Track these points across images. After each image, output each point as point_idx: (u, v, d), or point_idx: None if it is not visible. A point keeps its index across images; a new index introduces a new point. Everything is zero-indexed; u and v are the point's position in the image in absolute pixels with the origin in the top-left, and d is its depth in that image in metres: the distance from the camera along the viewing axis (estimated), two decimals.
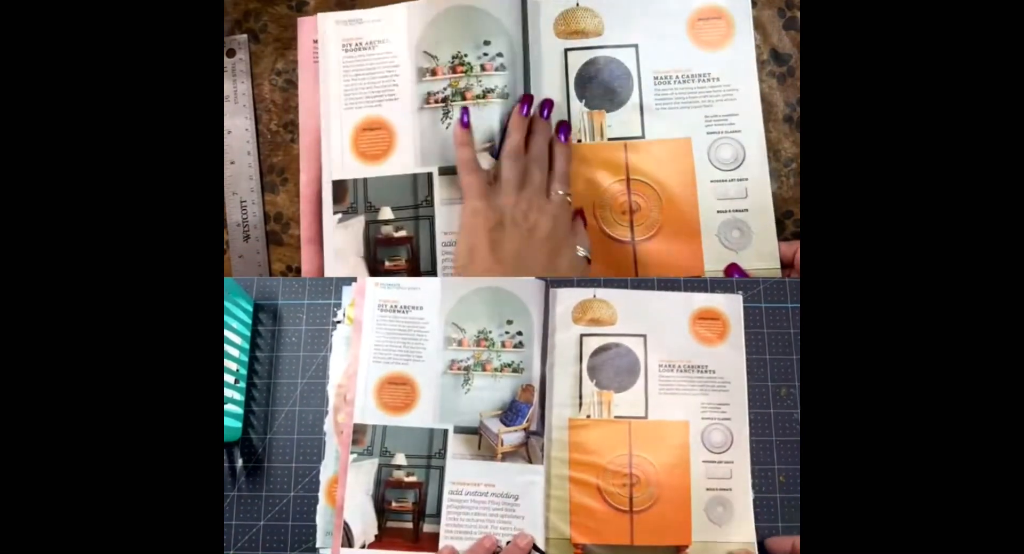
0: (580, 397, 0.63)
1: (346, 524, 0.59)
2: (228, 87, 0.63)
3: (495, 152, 0.58)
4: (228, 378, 0.59)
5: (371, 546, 0.59)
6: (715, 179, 0.59)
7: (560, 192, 0.56)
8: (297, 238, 0.61)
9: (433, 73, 0.60)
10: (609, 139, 0.60)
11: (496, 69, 0.60)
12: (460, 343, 0.63)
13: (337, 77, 0.60)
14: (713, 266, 0.59)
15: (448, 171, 0.58)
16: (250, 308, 0.65)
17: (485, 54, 0.60)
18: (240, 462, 0.62)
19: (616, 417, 0.62)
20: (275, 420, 0.63)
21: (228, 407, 0.58)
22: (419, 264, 0.59)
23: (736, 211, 0.59)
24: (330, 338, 0.65)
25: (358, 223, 0.59)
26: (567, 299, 0.65)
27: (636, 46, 0.60)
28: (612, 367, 0.63)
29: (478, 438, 0.61)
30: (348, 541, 0.59)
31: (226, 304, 0.56)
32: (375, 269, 0.59)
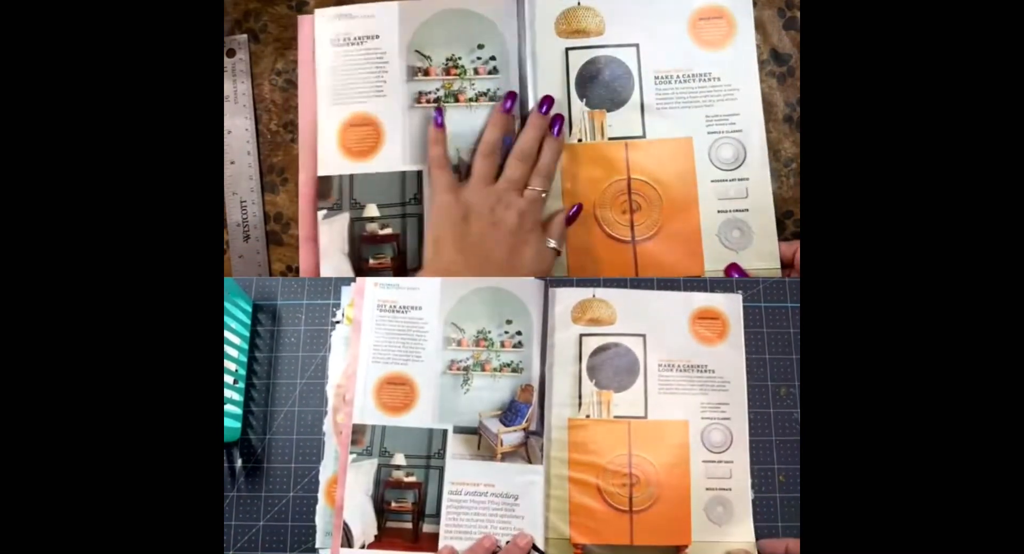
0: (579, 397, 0.63)
1: (346, 524, 0.59)
2: (228, 87, 0.63)
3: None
4: (227, 378, 0.59)
5: (371, 546, 0.59)
6: (716, 179, 0.59)
7: (537, 189, 0.56)
8: (297, 238, 0.61)
9: (426, 73, 0.60)
10: (610, 139, 0.60)
11: (489, 73, 0.60)
12: (459, 343, 0.63)
13: (326, 72, 0.60)
14: (713, 266, 0.59)
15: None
16: (249, 308, 0.65)
17: (479, 58, 0.60)
18: (239, 462, 0.62)
19: (616, 417, 0.62)
20: (274, 420, 0.63)
21: (227, 407, 0.58)
22: (406, 262, 0.59)
23: (736, 211, 0.59)
24: (329, 338, 0.65)
25: (342, 220, 0.59)
26: (566, 299, 0.65)
27: (637, 45, 0.60)
28: (611, 367, 0.63)
29: (477, 438, 0.61)
30: (348, 541, 0.59)
31: (226, 304, 0.56)
32: (359, 266, 0.59)
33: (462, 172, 0.58)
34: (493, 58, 0.60)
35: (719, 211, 0.59)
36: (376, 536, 0.59)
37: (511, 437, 0.60)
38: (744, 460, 0.62)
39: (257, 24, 0.63)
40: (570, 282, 0.65)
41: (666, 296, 0.65)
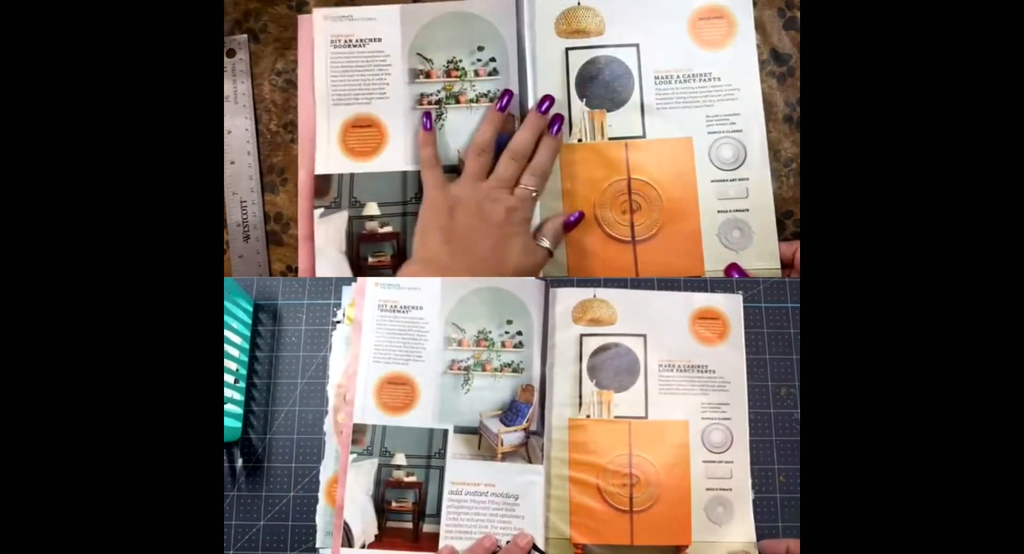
0: (580, 397, 0.63)
1: (346, 524, 0.59)
2: (228, 87, 0.63)
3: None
4: (228, 378, 0.59)
5: (371, 546, 0.59)
6: (716, 179, 0.59)
7: (529, 187, 0.56)
8: (297, 238, 0.61)
9: (427, 75, 0.60)
10: (610, 139, 0.60)
11: (489, 74, 0.60)
12: (460, 343, 0.63)
13: (326, 72, 0.60)
14: (713, 266, 0.59)
15: (445, 170, 0.58)
16: (250, 308, 0.65)
17: (479, 60, 0.60)
18: (240, 462, 0.62)
19: (616, 417, 0.62)
20: (275, 420, 0.63)
21: (228, 407, 0.58)
22: (405, 260, 0.59)
23: (737, 211, 0.59)
24: (330, 338, 0.65)
25: (340, 218, 0.59)
26: (567, 299, 0.65)
27: (637, 45, 0.60)
28: (612, 367, 0.63)
29: (478, 438, 0.61)
30: (348, 541, 0.59)
31: (226, 304, 0.56)
32: (357, 265, 0.59)
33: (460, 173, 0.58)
34: (493, 60, 0.60)
35: (719, 211, 0.59)
36: (376, 536, 0.59)
37: (511, 437, 0.60)
38: (744, 460, 0.62)
39: (257, 24, 0.64)
40: (570, 282, 0.65)
41: (666, 296, 0.65)
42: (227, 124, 0.62)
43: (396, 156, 0.60)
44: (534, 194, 0.56)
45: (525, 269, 0.56)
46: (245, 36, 0.63)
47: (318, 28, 0.61)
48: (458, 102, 0.60)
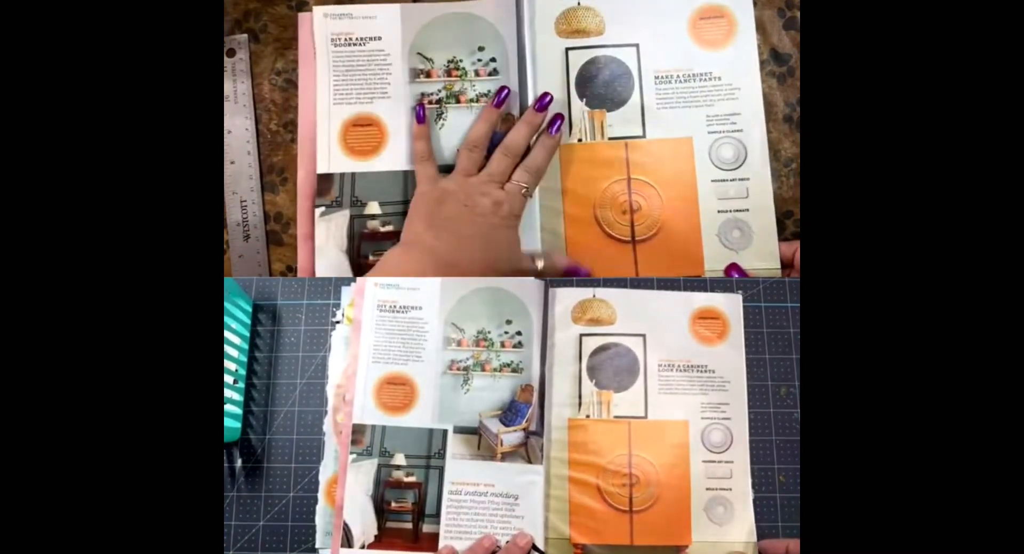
0: (579, 397, 0.63)
1: (346, 524, 0.59)
2: (228, 87, 0.63)
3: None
4: (227, 378, 0.59)
5: (371, 546, 0.59)
6: (716, 179, 0.59)
7: (521, 183, 0.56)
8: (297, 238, 0.61)
9: (428, 75, 0.60)
10: (610, 138, 0.60)
11: (489, 74, 0.60)
12: (459, 343, 0.63)
13: (327, 71, 0.60)
14: (713, 266, 0.59)
15: (443, 169, 0.58)
16: (249, 308, 0.65)
17: (479, 60, 0.60)
18: (239, 462, 0.62)
19: (616, 417, 0.62)
20: (274, 420, 0.63)
21: (227, 407, 0.58)
22: None
23: (737, 211, 0.59)
24: (329, 338, 0.65)
25: (342, 217, 0.59)
26: (566, 299, 0.65)
27: (637, 45, 0.60)
28: (611, 367, 0.63)
29: (477, 438, 0.61)
30: (348, 541, 0.59)
31: (226, 304, 0.56)
32: (358, 263, 0.59)
33: None
34: (494, 60, 0.60)
35: (719, 211, 0.59)
36: (376, 536, 0.59)
37: (511, 437, 0.60)
38: (744, 460, 0.62)
39: (257, 24, 0.64)
40: (570, 282, 0.65)
41: (666, 296, 0.65)
42: (227, 124, 0.62)
43: (397, 155, 0.60)
44: (524, 190, 0.56)
45: (507, 264, 0.56)
46: (245, 36, 0.63)
47: (318, 26, 0.61)
48: (458, 102, 0.60)
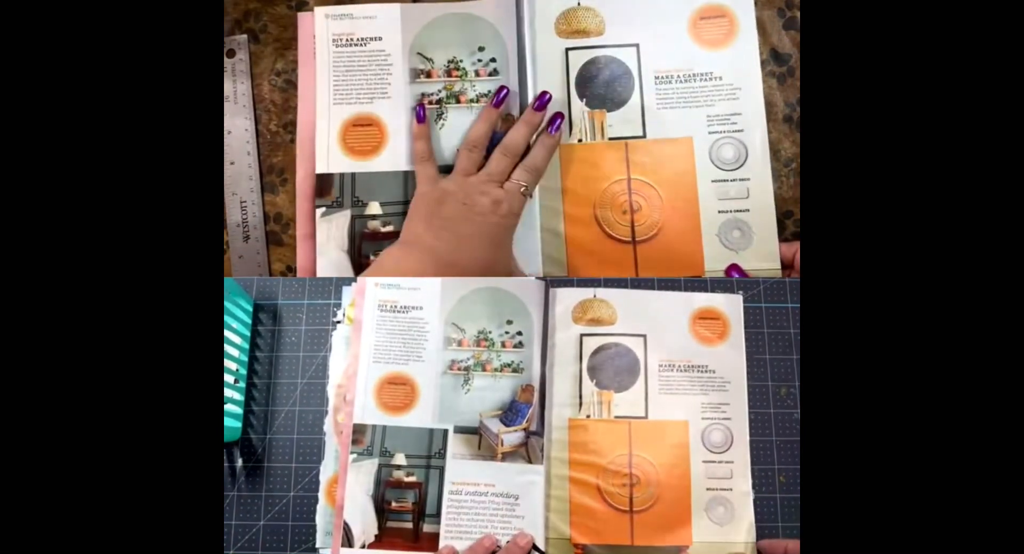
0: (580, 397, 0.63)
1: (346, 524, 0.59)
2: (228, 87, 0.63)
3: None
4: (228, 378, 0.59)
5: (371, 546, 0.59)
6: (716, 179, 0.59)
7: (521, 182, 0.56)
8: (296, 238, 0.61)
9: (428, 75, 0.60)
10: (610, 139, 0.60)
11: (489, 74, 0.60)
12: (460, 343, 0.63)
13: (327, 71, 0.60)
14: (713, 266, 0.59)
15: (443, 169, 0.58)
16: (250, 308, 0.65)
17: (479, 60, 0.60)
18: (240, 462, 0.62)
19: (616, 417, 0.62)
20: (275, 420, 0.63)
21: (228, 407, 0.58)
22: None
23: (737, 211, 0.59)
24: (330, 338, 0.65)
25: (343, 217, 0.59)
26: (567, 299, 0.65)
27: (637, 45, 0.60)
28: (612, 367, 0.63)
29: (478, 438, 0.61)
30: (348, 541, 0.59)
31: (226, 304, 0.56)
32: (359, 263, 0.59)
33: None
34: (494, 60, 0.60)
35: (719, 211, 0.59)
36: (376, 536, 0.59)
37: (511, 437, 0.60)
38: (745, 460, 0.62)
39: (257, 24, 0.64)
40: (570, 282, 0.65)
41: (666, 296, 0.65)
42: (227, 124, 0.62)
43: (397, 155, 0.60)
44: (524, 189, 0.56)
45: (503, 266, 0.56)
46: (245, 36, 0.63)
47: (319, 27, 0.61)
48: (458, 102, 0.60)
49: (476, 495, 0.60)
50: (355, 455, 0.60)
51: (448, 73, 0.60)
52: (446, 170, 0.58)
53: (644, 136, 0.60)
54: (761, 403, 0.64)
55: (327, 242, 0.59)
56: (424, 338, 0.63)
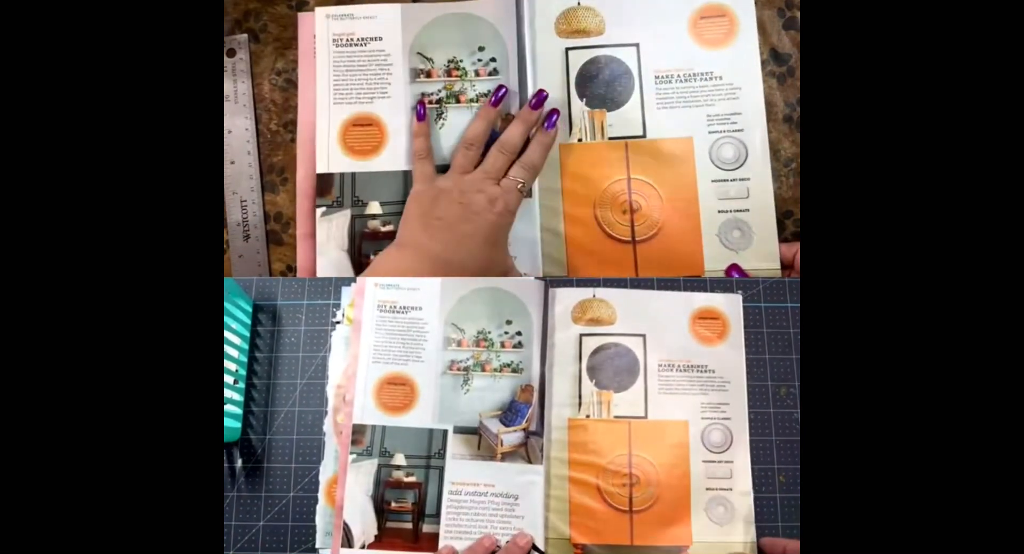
0: (579, 397, 0.63)
1: (346, 524, 0.59)
2: (228, 87, 0.63)
3: None
4: (227, 378, 0.59)
5: (371, 546, 0.59)
6: (716, 179, 0.59)
7: (518, 179, 0.56)
8: (297, 238, 0.61)
9: (428, 75, 0.60)
10: (610, 138, 0.60)
11: (489, 74, 0.60)
12: (459, 343, 0.63)
13: (327, 71, 0.60)
14: (713, 266, 0.59)
15: (443, 169, 0.58)
16: (250, 308, 0.65)
17: (479, 60, 0.60)
18: (240, 462, 0.62)
19: (616, 417, 0.62)
20: (274, 420, 0.63)
21: (227, 407, 0.58)
22: None
23: (737, 211, 0.59)
24: (329, 338, 0.65)
25: (343, 217, 0.59)
26: (566, 299, 0.65)
27: (637, 45, 0.60)
28: (611, 367, 0.63)
29: (478, 438, 0.61)
30: (348, 541, 0.59)
31: (226, 304, 0.56)
32: (359, 263, 0.59)
33: None
34: (494, 59, 0.60)
35: (719, 211, 0.59)
36: (376, 536, 0.59)
37: (511, 437, 0.60)
38: (744, 460, 0.62)
39: (257, 24, 0.64)
40: (570, 282, 0.65)
41: (666, 296, 0.65)
42: (227, 124, 0.62)
43: (397, 155, 0.60)
44: (520, 186, 0.56)
45: (499, 266, 0.56)
46: (245, 36, 0.63)
47: (319, 26, 0.61)
48: (458, 102, 0.60)
49: (476, 495, 0.60)
50: (355, 455, 0.60)
51: (448, 73, 0.60)
52: (445, 169, 0.58)
53: (644, 136, 0.60)
54: (761, 403, 0.64)
55: (327, 242, 0.59)
56: (424, 338, 0.63)
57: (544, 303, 0.64)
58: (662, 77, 0.60)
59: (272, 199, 0.62)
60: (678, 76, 0.60)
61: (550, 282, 0.64)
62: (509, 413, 0.61)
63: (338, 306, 0.65)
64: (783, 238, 0.59)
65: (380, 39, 0.60)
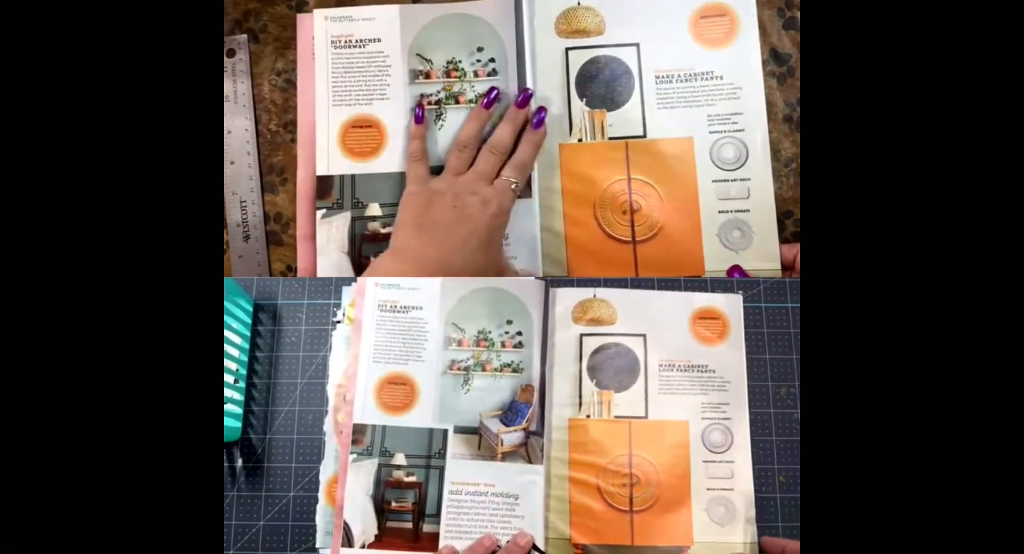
0: (580, 397, 0.63)
1: (346, 524, 0.59)
2: (228, 87, 0.63)
3: None
4: (228, 378, 0.59)
5: (371, 546, 0.59)
6: (717, 179, 0.59)
7: (511, 179, 0.56)
8: (296, 238, 0.61)
9: (427, 76, 0.60)
10: (610, 138, 0.60)
11: (488, 74, 0.60)
12: (460, 343, 0.63)
13: (326, 73, 0.60)
14: (713, 266, 0.59)
15: (442, 170, 0.58)
16: (250, 308, 0.65)
17: (478, 60, 0.60)
18: (240, 462, 0.62)
19: (616, 417, 0.62)
20: (275, 420, 0.63)
21: (228, 407, 0.58)
22: None
23: (737, 211, 0.59)
24: (330, 338, 0.65)
25: (343, 219, 0.59)
26: (567, 299, 0.65)
27: (637, 45, 0.60)
28: (612, 367, 0.63)
29: (478, 438, 0.61)
30: (348, 541, 0.59)
31: (226, 304, 0.56)
32: (359, 264, 0.59)
33: None
34: (493, 60, 0.60)
35: (720, 211, 0.59)
36: (376, 536, 0.59)
37: (511, 437, 0.60)
38: (746, 460, 0.62)
39: (257, 24, 0.64)
40: (570, 282, 0.65)
41: (666, 296, 0.65)
42: (227, 124, 0.62)
43: (396, 157, 0.60)
44: (514, 185, 0.56)
45: (496, 263, 0.56)
46: (245, 36, 0.63)
47: (318, 28, 0.61)
48: (457, 102, 0.60)
49: (476, 495, 0.60)
50: (355, 455, 0.60)
51: (447, 74, 0.60)
52: (440, 170, 0.58)
53: (644, 136, 0.60)
54: (761, 403, 0.64)
55: (327, 244, 0.59)
56: (424, 338, 0.63)
57: (544, 303, 0.64)
58: (662, 77, 0.60)
59: (272, 199, 0.62)
60: (678, 76, 0.60)
61: (550, 282, 0.64)
62: (509, 413, 0.61)
63: (339, 306, 0.65)
64: (783, 238, 0.59)
65: (379, 40, 0.60)
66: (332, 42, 0.61)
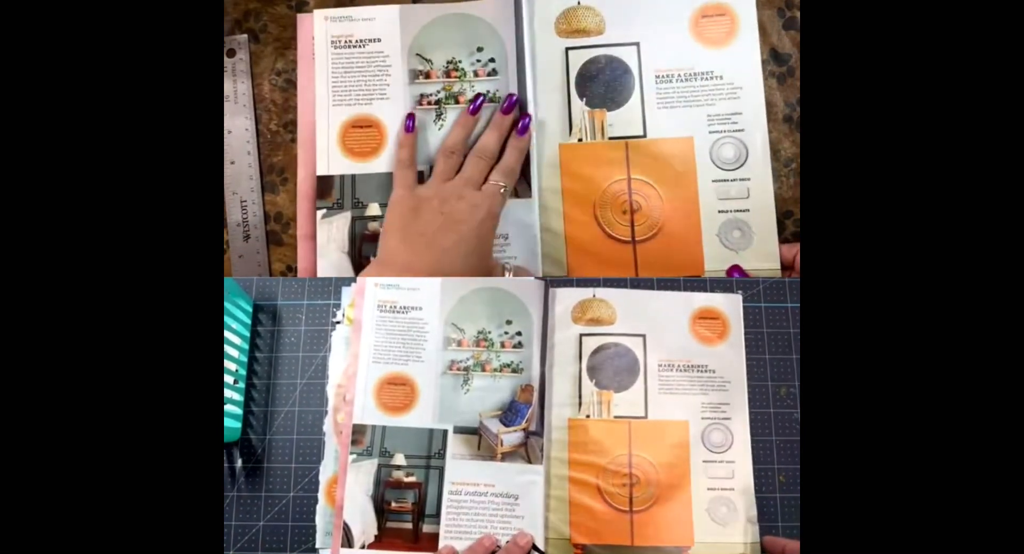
0: (580, 397, 0.63)
1: (346, 524, 0.59)
2: (228, 87, 0.63)
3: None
4: (227, 378, 0.59)
5: (371, 546, 0.59)
6: (717, 179, 0.59)
7: (500, 183, 0.56)
8: (297, 238, 0.61)
9: (427, 76, 0.60)
10: (610, 138, 0.60)
11: (488, 74, 0.60)
12: (459, 343, 0.63)
13: (326, 73, 0.60)
14: (713, 266, 0.59)
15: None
16: (250, 308, 0.65)
17: (478, 60, 0.60)
18: (240, 462, 0.62)
19: (616, 417, 0.62)
20: (274, 420, 0.63)
21: (228, 407, 0.58)
22: None
23: (737, 211, 0.59)
24: (329, 338, 0.65)
25: (343, 219, 0.59)
26: (566, 299, 0.65)
27: (637, 44, 0.60)
28: (611, 367, 0.63)
29: (478, 438, 0.61)
30: (348, 541, 0.59)
31: (226, 304, 0.56)
32: (359, 264, 0.59)
33: None
34: (492, 60, 0.60)
35: (720, 211, 0.59)
36: (376, 536, 0.59)
37: (511, 437, 0.60)
38: (746, 460, 0.62)
39: (257, 24, 0.64)
40: (570, 282, 0.65)
41: (666, 296, 0.65)
42: (227, 124, 0.62)
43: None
44: (503, 190, 0.56)
45: (484, 268, 0.56)
46: (245, 36, 0.63)
47: (318, 28, 0.61)
48: (457, 102, 0.60)
49: (476, 495, 0.60)
50: (355, 455, 0.60)
51: (447, 74, 0.60)
52: None
53: (644, 136, 0.60)
54: (761, 403, 0.64)
55: (328, 244, 0.59)
56: (424, 338, 0.63)
57: (544, 303, 0.64)
58: (662, 77, 0.60)
59: (272, 199, 0.62)
60: (678, 76, 0.60)
61: (550, 282, 0.64)
62: (509, 413, 0.61)
63: (338, 306, 0.65)
64: (783, 238, 0.59)
65: (379, 41, 0.60)
66: (332, 42, 0.61)
